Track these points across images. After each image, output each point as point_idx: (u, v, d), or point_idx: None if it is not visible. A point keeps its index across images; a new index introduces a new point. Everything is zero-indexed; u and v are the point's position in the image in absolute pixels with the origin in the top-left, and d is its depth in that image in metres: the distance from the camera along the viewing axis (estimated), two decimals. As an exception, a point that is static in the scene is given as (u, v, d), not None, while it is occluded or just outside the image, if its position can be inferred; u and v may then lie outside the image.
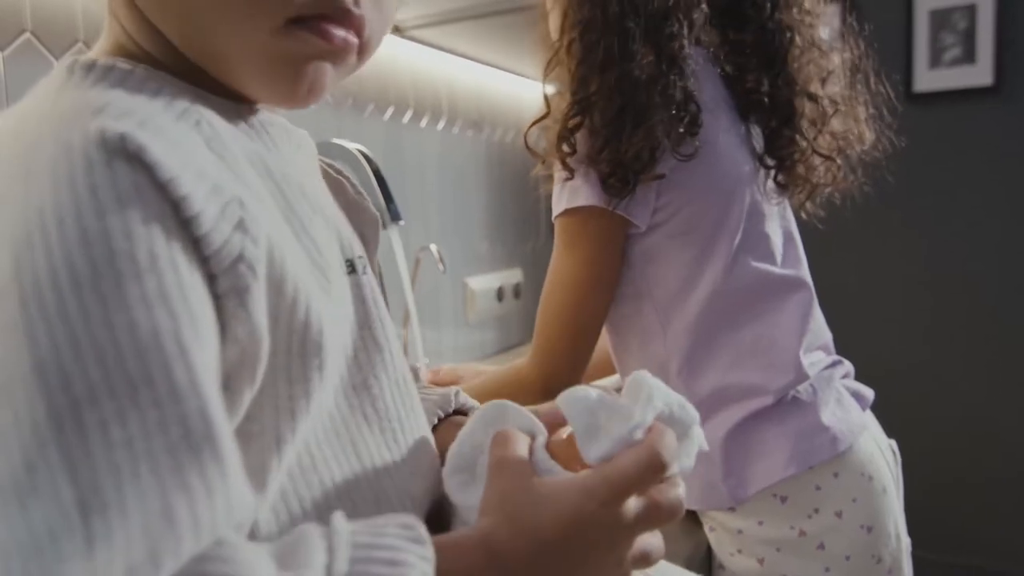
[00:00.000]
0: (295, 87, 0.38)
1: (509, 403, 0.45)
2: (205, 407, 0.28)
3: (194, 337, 0.29)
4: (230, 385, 0.33)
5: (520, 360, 0.81)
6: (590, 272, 0.73)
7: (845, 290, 1.90)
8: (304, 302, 0.35)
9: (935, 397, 1.94)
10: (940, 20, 2.07)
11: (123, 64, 0.37)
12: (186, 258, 0.30)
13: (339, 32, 0.38)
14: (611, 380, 0.99)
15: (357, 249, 0.43)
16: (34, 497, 0.25)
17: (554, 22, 0.76)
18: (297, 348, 0.35)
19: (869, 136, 0.86)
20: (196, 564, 0.27)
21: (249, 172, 0.37)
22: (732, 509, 0.73)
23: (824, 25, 1.04)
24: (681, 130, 0.70)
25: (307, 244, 0.38)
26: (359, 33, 0.39)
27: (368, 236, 0.50)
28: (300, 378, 0.36)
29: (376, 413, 0.41)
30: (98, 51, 0.41)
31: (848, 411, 0.75)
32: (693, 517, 0.81)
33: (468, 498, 0.41)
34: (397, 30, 1.37)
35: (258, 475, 0.34)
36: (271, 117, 0.43)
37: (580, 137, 0.71)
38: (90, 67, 0.36)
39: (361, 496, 0.39)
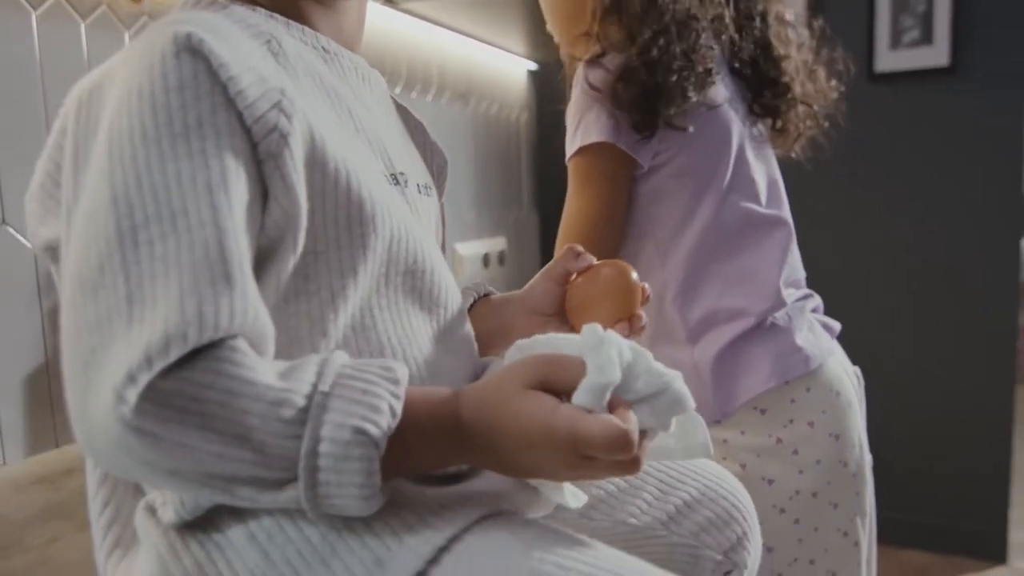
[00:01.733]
0: None
1: (539, 337, 0.46)
2: (223, 238, 0.37)
3: (222, 184, 0.38)
4: (275, 240, 0.41)
5: None
6: (603, 210, 0.81)
7: (816, 239, 2.02)
8: (348, 182, 0.43)
9: (892, 338, 2.07)
10: (900, 3, 2.18)
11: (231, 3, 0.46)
12: (229, 126, 0.39)
13: None
14: None
15: (405, 168, 0.51)
16: (102, 289, 0.36)
17: None
18: (344, 220, 0.43)
19: (832, 95, 0.95)
20: (216, 352, 0.35)
21: (306, 80, 0.45)
22: (718, 422, 0.82)
23: (789, 8, 1.13)
24: (697, 81, 0.78)
25: (363, 140, 0.46)
26: None
27: (436, 172, 0.59)
28: (348, 245, 0.43)
29: (427, 296, 0.49)
30: None
31: (819, 337, 0.84)
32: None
33: None
34: (391, 2, 1.42)
35: (318, 323, 0.42)
36: (350, 55, 0.51)
37: (617, 78, 0.77)
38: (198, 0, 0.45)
39: (407, 359, 0.46)
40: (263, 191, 0.40)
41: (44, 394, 0.70)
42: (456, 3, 1.44)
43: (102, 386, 0.34)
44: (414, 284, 0.48)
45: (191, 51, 0.39)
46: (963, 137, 2.13)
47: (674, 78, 0.75)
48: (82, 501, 0.56)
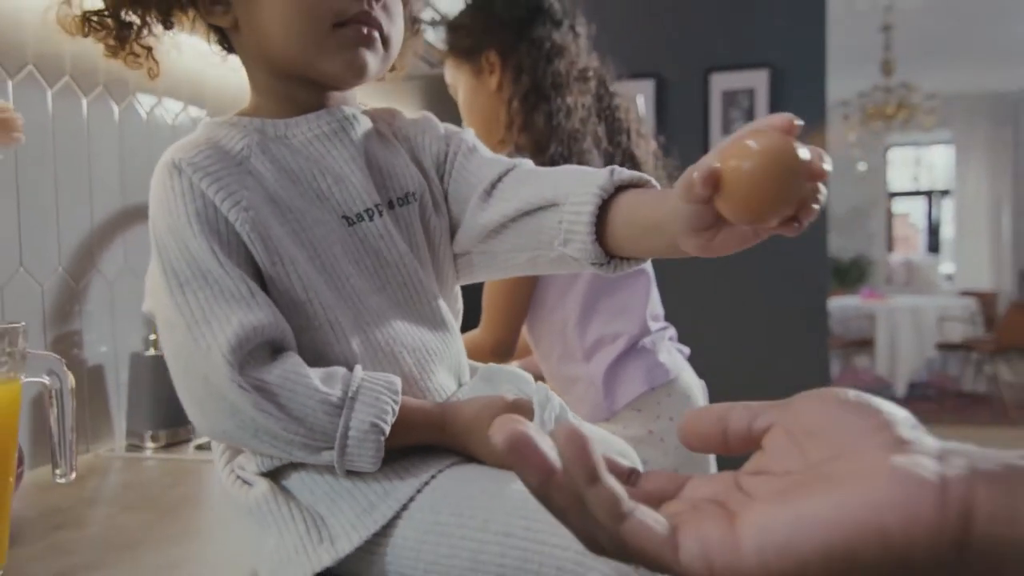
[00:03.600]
0: (349, 65, 0.59)
1: (503, 368, 0.64)
2: (237, 285, 0.53)
3: (223, 250, 0.54)
4: (268, 278, 0.56)
5: (474, 331, 1.08)
6: (518, 283, 1.05)
7: (671, 285, 2.35)
8: (276, 246, 0.57)
9: (726, 362, 2.41)
10: (729, 99, 2.61)
11: (233, 117, 0.61)
12: (216, 221, 0.55)
13: (364, 28, 0.59)
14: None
15: (363, 201, 0.60)
16: (181, 315, 0.53)
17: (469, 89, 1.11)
18: (274, 264, 0.56)
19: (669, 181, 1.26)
20: (286, 359, 0.53)
21: (278, 177, 0.58)
22: (608, 419, 1.05)
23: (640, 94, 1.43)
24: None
25: (290, 220, 0.58)
26: (379, 30, 0.60)
27: (406, 183, 0.64)
28: (285, 277, 0.56)
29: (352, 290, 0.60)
30: (239, 111, 0.64)
31: (675, 357, 1.10)
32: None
33: None
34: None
35: (294, 318, 0.57)
36: (317, 124, 0.61)
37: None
38: (215, 121, 0.62)
39: (372, 349, 0.59)
40: (247, 252, 0.56)
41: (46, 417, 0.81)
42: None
43: (207, 372, 0.51)
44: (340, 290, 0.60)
45: (175, 171, 0.55)
46: (779, 210, 2.57)
47: None
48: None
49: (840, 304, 5.52)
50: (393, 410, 0.54)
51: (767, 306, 2.54)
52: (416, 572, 0.52)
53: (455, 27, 1.14)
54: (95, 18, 0.59)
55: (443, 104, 1.26)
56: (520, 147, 1.06)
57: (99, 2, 0.60)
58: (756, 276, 2.55)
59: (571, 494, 0.25)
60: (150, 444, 0.96)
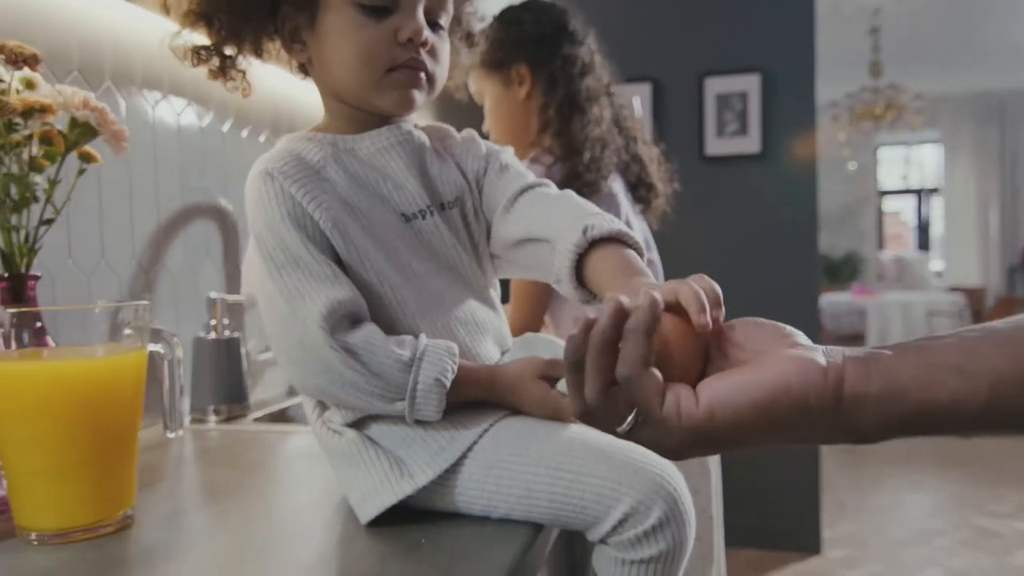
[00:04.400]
0: (400, 102, 0.70)
1: (539, 336, 0.77)
2: (323, 268, 0.64)
3: (309, 241, 0.65)
4: (346, 264, 0.67)
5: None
6: None
7: (671, 274, 2.47)
8: (352, 239, 0.67)
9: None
10: (723, 102, 2.72)
11: (309, 132, 0.72)
12: (303, 217, 0.65)
13: (412, 72, 0.70)
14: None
15: (419, 204, 0.72)
16: (280, 293, 0.63)
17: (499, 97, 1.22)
18: (351, 253, 0.67)
19: (671, 188, 1.38)
20: (368, 327, 0.64)
21: (347, 183, 0.69)
22: None
23: (636, 96, 1.56)
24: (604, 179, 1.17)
25: (354, 219, 0.69)
26: (425, 72, 0.71)
27: (452, 189, 0.75)
28: (360, 264, 0.67)
29: (412, 271, 0.72)
30: (313, 127, 0.75)
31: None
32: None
33: None
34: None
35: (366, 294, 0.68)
36: (379, 139, 0.72)
37: (554, 164, 1.15)
38: (295, 136, 0.72)
39: (431, 321, 0.70)
40: (331, 245, 0.67)
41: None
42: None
43: (304, 339, 0.62)
44: (420, 281, 0.71)
45: (268, 178, 0.66)
46: (771, 206, 2.69)
47: (593, 176, 1.15)
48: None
49: (832, 300, 5.65)
50: (452, 369, 0.65)
51: (760, 301, 2.66)
52: (480, 501, 0.63)
53: (487, 38, 1.25)
54: (203, 51, 0.70)
55: (448, 110, 1.38)
56: (553, 152, 1.18)
57: (204, 38, 0.70)
58: (750, 272, 2.67)
59: (632, 337, 0.41)
60: (212, 417, 1.07)
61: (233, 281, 1.25)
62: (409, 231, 0.71)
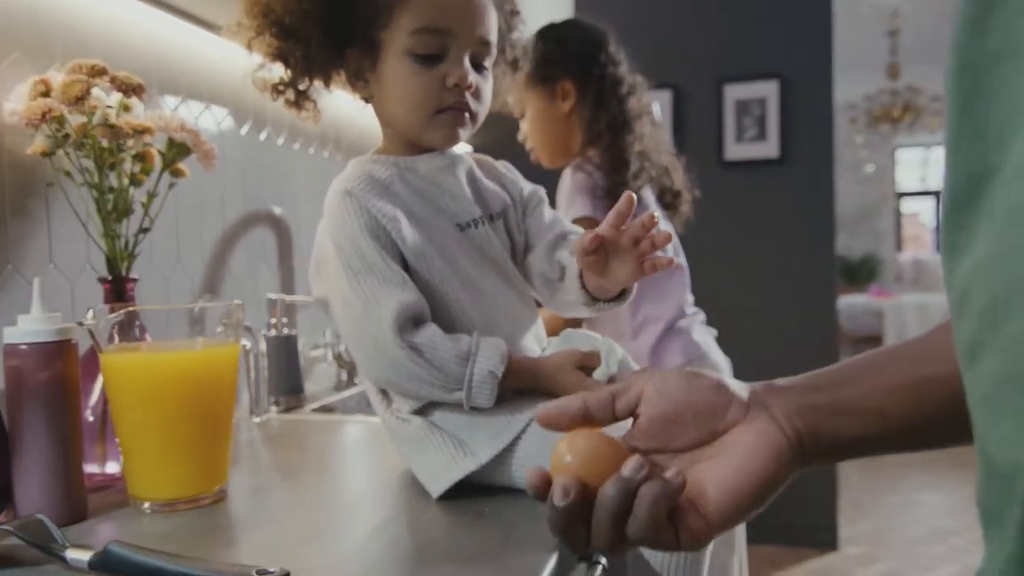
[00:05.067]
0: (446, 139, 0.80)
1: (577, 331, 0.85)
2: (394, 274, 0.72)
3: (384, 251, 0.73)
4: (416, 274, 0.75)
5: (542, 310, 1.29)
6: None
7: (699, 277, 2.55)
8: (418, 247, 0.76)
9: (742, 352, 2.60)
10: (742, 108, 2.79)
11: (374, 156, 0.81)
12: (378, 230, 0.74)
13: (458, 113, 0.79)
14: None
15: (470, 215, 0.81)
16: (356, 297, 0.72)
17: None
18: (417, 259, 0.75)
19: (692, 195, 1.47)
20: (429, 328, 0.72)
21: (411, 197, 0.78)
22: None
23: (656, 102, 1.65)
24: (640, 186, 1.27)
25: (422, 229, 0.78)
26: (469, 111, 0.80)
27: (496, 203, 0.86)
28: (425, 270, 0.76)
29: (469, 278, 0.80)
30: (374, 150, 0.84)
31: (706, 337, 1.31)
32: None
33: None
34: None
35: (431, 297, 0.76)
36: (439, 160, 0.82)
37: (596, 172, 1.25)
38: (362, 159, 0.82)
39: (483, 319, 0.80)
40: (400, 252, 0.75)
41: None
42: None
43: (377, 338, 0.70)
44: (475, 284, 0.80)
45: (348, 196, 0.75)
46: (789, 210, 2.75)
47: (634, 187, 1.25)
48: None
49: (849, 302, 5.69)
50: (503, 362, 0.74)
51: (778, 303, 2.73)
52: (533, 475, 0.71)
53: (530, 55, 1.34)
54: (281, 87, 0.79)
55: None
56: (593, 162, 1.27)
57: (282, 74, 0.79)
58: (768, 275, 2.74)
59: (648, 508, 0.42)
60: (273, 408, 1.17)
61: (287, 283, 1.34)
62: (464, 239, 0.80)
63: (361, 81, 0.80)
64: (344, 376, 1.41)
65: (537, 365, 0.78)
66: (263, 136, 1.29)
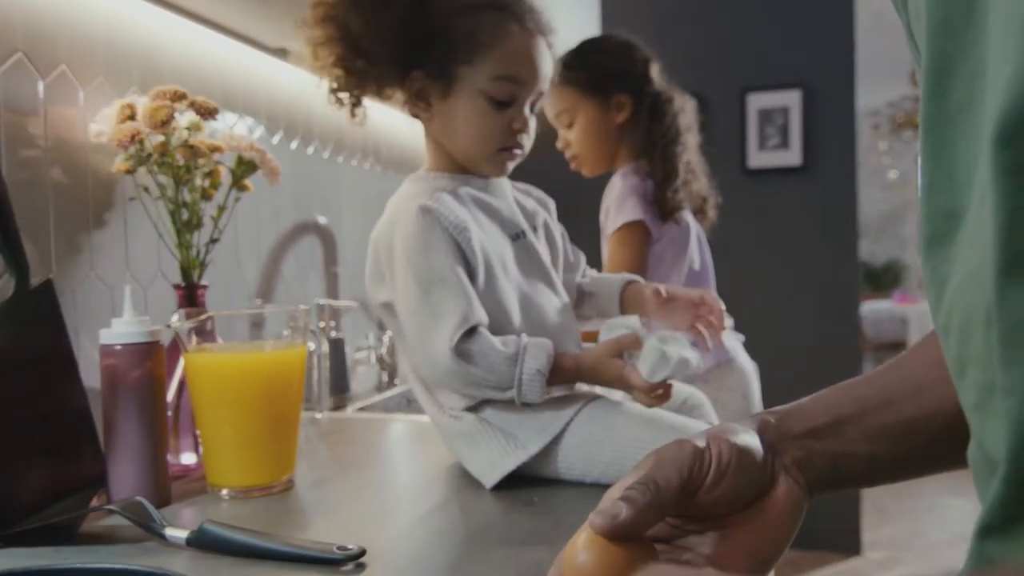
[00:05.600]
0: (500, 172, 0.88)
1: (616, 319, 0.91)
2: (461, 287, 0.78)
3: (455, 264, 0.78)
4: (479, 281, 0.81)
5: None
6: (637, 260, 1.33)
7: (724, 283, 2.59)
8: (484, 255, 0.82)
9: (766, 358, 2.64)
10: (765, 117, 2.83)
11: (431, 173, 0.88)
12: (451, 244, 0.80)
13: (515, 150, 0.87)
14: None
15: (518, 227, 0.90)
16: (424, 307, 0.78)
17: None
18: (482, 267, 0.82)
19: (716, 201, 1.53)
20: (480, 334, 0.78)
21: (473, 210, 0.85)
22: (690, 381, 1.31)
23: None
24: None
25: (486, 238, 0.84)
26: (521, 149, 0.88)
27: (536, 216, 0.95)
28: (489, 279, 0.82)
29: (536, 297, 0.89)
30: (426, 167, 0.90)
31: (733, 341, 1.36)
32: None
33: None
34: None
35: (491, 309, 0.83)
36: (486, 182, 0.90)
37: (647, 180, 1.34)
38: (419, 176, 0.88)
39: (531, 322, 0.86)
40: (468, 264, 0.81)
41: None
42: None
43: (439, 348, 0.76)
44: (531, 291, 0.88)
45: (426, 212, 0.79)
46: (812, 217, 2.79)
47: (679, 198, 1.34)
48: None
49: (873, 308, 5.69)
50: (549, 360, 0.80)
51: (802, 310, 2.76)
52: (577, 467, 0.77)
53: (588, 65, 1.40)
54: (339, 92, 0.85)
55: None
56: (652, 175, 1.34)
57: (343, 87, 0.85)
58: (791, 281, 2.77)
59: None
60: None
61: (332, 288, 1.41)
62: (515, 247, 0.87)
63: (423, 103, 0.85)
64: (385, 377, 1.48)
65: (579, 361, 0.84)
66: (310, 150, 1.36)
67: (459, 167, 0.88)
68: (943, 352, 0.35)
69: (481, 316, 0.79)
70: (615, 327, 0.90)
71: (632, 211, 1.32)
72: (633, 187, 1.35)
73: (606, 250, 1.40)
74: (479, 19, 0.81)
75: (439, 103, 0.84)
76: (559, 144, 1.44)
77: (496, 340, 0.79)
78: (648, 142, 1.37)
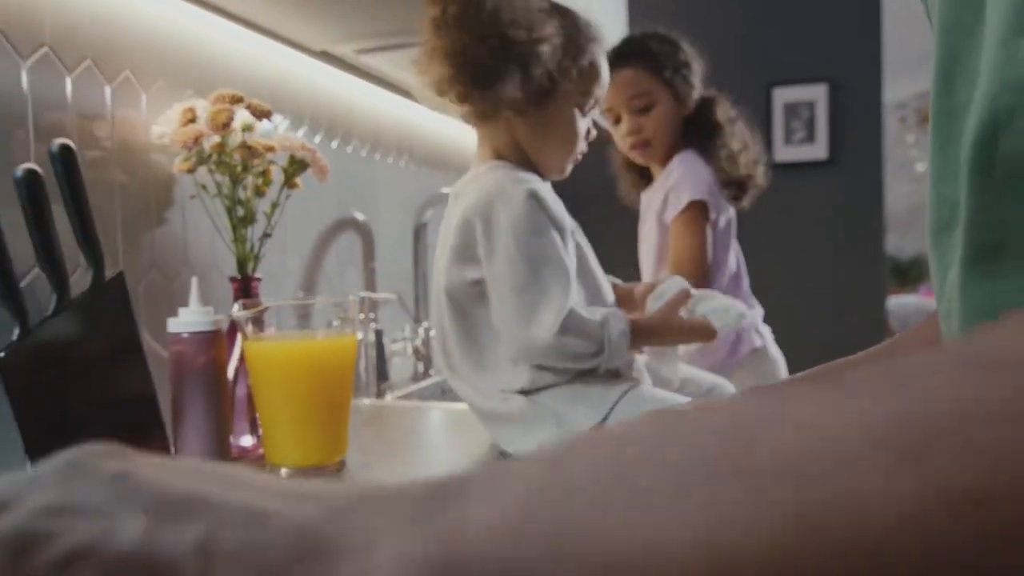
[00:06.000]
0: (565, 173, 0.95)
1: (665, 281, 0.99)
2: (566, 266, 0.84)
3: (563, 250, 0.85)
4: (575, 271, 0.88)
5: None
6: (704, 247, 1.38)
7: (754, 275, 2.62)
8: (574, 245, 0.90)
9: (793, 351, 2.65)
10: (790, 111, 2.84)
11: (509, 165, 0.92)
12: (555, 228, 0.86)
13: (579, 155, 0.95)
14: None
15: (571, 224, 0.96)
16: (533, 285, 0.83)
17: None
18: (578, 255, 0.90)
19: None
20: (576, 311, 0.83)
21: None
22: (723, 372, 1.33)
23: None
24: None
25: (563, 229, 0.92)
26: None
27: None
28: (579, 262, 0.90)
29: (589, 273, 0.95)
30: (484, 155, 0.95)
31: (763, 331, 1.41)
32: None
33: None
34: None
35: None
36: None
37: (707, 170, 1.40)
38: (498, 165, 0.93)
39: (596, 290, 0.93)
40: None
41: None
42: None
43: (542, 326, 0.81)
44: (591, 280, 0.95)
45: (534, 196, 0.85)
46: (838, 211, 2.80)
47: (732, 192, 1.43)
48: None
49: (900, 302, 5.64)
50: (629, 325, 0.86)
51: (828, 304, 2.77)
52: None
53: (676, 64, 1.43)
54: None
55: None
56: (709, 162, 1.41)
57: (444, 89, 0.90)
58: (817, 275, 2.79)
59: None
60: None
61: (369, 282, 1.46)
62: (571, 242, 0.92)
63: (512, 112, 0.90)
64: (421, 368, 1.52)
65: (651, 321, 0.90)
66: (349, 149, 1.41)
67: (524, 166, 0.93)
68: (943, 336, 0.37)
69: (576, 296, 0.85)
70: (664, 292, 0.96)
71: (693, 189, 1.37)
72: (698, 167, 1.40)
73: (663, 237, 1.44)
74: (591, 51, 0.90)
75: (534, 110, 0.90)
76: (626, 128, 1.44)
77: (584, 310, 0.84)
78: (704, 132, 1.44)
